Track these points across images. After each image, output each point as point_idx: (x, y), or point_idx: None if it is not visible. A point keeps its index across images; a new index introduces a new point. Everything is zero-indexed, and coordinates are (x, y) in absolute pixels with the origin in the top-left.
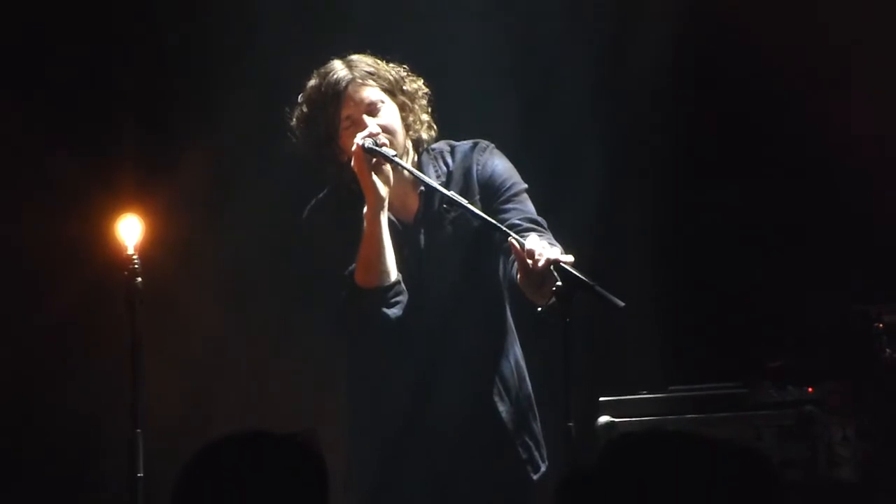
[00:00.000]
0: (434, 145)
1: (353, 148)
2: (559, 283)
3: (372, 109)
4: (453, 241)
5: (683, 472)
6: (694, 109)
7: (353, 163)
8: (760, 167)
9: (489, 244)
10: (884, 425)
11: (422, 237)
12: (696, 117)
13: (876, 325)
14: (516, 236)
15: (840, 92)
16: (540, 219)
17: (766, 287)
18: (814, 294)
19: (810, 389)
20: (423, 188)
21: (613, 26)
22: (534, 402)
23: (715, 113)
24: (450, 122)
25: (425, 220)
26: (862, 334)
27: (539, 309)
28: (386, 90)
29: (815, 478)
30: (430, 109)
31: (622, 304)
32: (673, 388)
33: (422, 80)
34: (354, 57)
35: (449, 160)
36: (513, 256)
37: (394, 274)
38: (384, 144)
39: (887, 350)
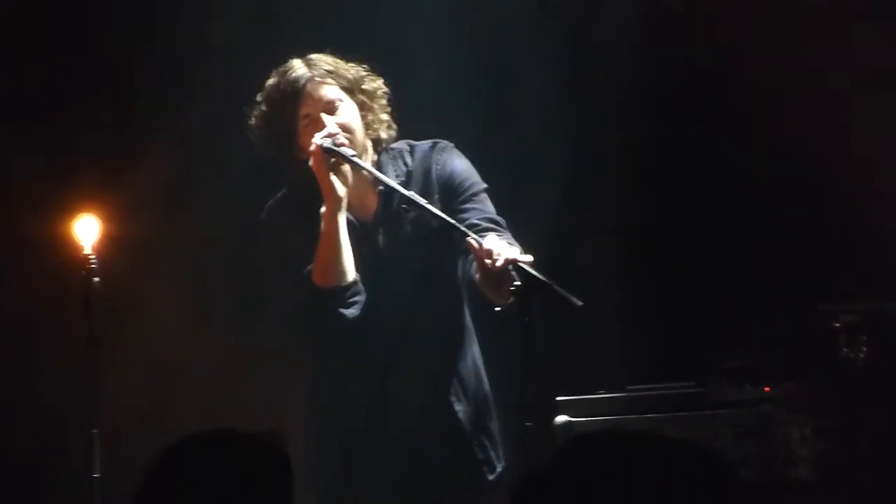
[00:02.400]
0: (393, 145)
1: (312, 147)
2: (518, 283)
3: (331, 108)
4: (412, 241)
5: (641, 472)
6: (656, 109)
7: (311, 162)
8: (722, 167)
9: (448, 244)
10: (841, 424)
11: (380, 237)
12: (659, 117)
13: (833, 324)
14: (475, 236)
15: (800, 93)
16: (499, 218)
17: (724, 287)
18: (771, 294)
19: (767, 389)
20: (382, 188)
21: (576, 25)
22: (491, 401)
23: (677, 113)
24: (409, 121)
25: (384, 220)
26: (819, 333)
27: (498, 308)
28: (345, 89)
29: (773, 477)
30: (389, 109)
31: (580, 303)
32: (631, 387)
33: (381, 80)
34: (314, 56)
35: (408, 160)
36: (472, 256)
37: (352, 274)
38: (343, 144)
39: (844, 349)
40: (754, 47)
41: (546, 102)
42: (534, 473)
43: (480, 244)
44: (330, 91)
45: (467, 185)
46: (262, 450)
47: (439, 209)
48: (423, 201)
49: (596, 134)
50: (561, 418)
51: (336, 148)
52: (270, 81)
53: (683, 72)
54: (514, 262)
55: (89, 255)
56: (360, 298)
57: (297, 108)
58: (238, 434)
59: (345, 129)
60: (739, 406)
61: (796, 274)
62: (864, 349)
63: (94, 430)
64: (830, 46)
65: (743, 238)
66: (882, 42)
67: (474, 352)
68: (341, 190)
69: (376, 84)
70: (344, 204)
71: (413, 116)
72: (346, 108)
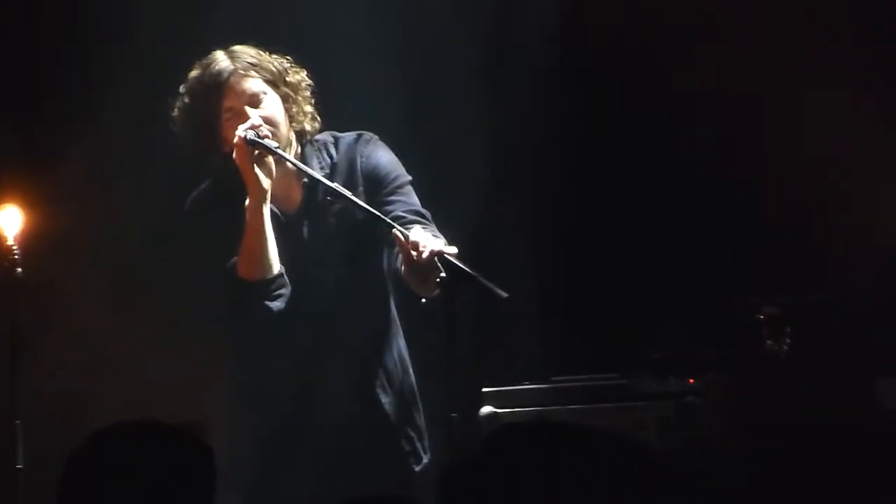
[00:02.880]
0: (318, 137)
1: (235, 140)
2: (443, 275)
3: (254, 100)
4: (337, 233)
5: (565, 462)
6: (579, 102)
7: (234, 154)
8: (644, 160)
9: (373, 236)
10: (765, 416)
11: (305, 229)
12: (582, 109)
13: (757, 316)
14: (400, 228)
15: (718, 90)
16: (424, 211)
17: (649, 279)
18: (696, 286)
19: (691, 381)
20: (306, 180)
21: (498, 15)
22: (417, 393)
23: (600, 105)
24: (334, 113)
25: (309, 212)
26: (743, 326)
27: (423, 300)
28: (269, 81)
29: (698, 469)
30: (313, 101)
31: (505, 295)
32: (555, 378)
33: (305, 72)
34: (237, 48)
35: (333, 152)
36: (397, 248)
37: (276, 266)
38: (266, 136)
39: (768, 341)
40: (669, 48)
41: (469, 95)
42: (459, 464)
43: (406, 236)
44: (253, 84)
45: (392, 177)
46: (183, 441)
47: (364, 201)
48: (347, 193)
49: (519, 127)
50: (486, 409)
51: (260, 140)
52: (193, 73)
53: (608, 62)
54: (439, 253)
55: (12, 245)
56: (285, 291)
57: (220, 100)
58: (159, 425)
59: (268, 121)
60: (663, 398)
61: (721, 266)
62: (788, 341)
63: (17, 422)
64: (739, 47)
65: (668, 230)
66: (799, 41)
67: (400, 344)
68: (265, 182)
69: (300, 76)
70: (268, 196)
71: (337, 108)
72: (269, 101)
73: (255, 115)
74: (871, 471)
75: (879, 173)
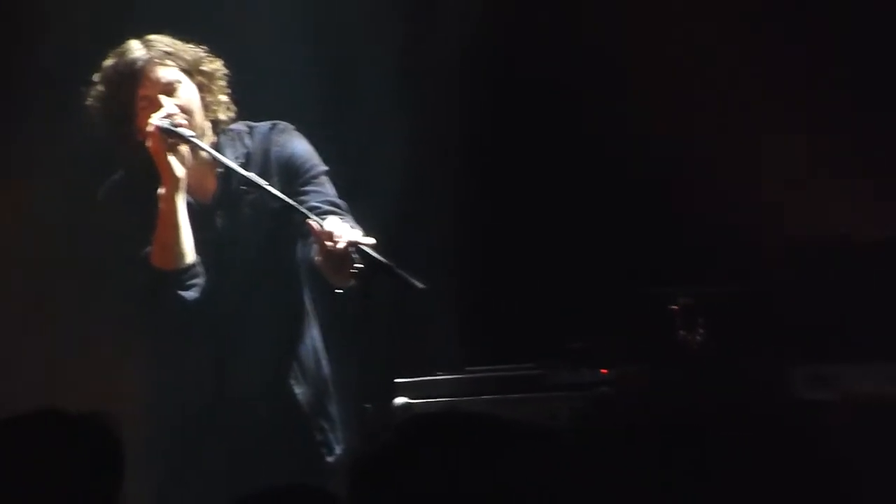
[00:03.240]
0: (232, 126)
1: (150, 128)
2: (359, 266)
3: (169, 89)
4: (251, 223)
5: (475, 453)
6: (496, 94)
7: (149, 143)
8: (561, 153)
9: (288, 226)
10: (676, 405)
11: (219, 219)
12: (500, 103)
13: (670, 307)
14: (316, 218)
15: (645, 78)
16: (340, 201)
17: (564, 270)
18: (609, 277)
19: (604, 371)
20: (221, 169)
21: (416, 11)
22: (331, 384)
23: (517, 97)
24: (249, 103)
25: (223, 202)
26: (656, 316)
27: (338, 291)
28: (184, 70)
29: (608, 459)
30: (228, 90)
31: (422, 285)
32: (470, 369)
33: (220, 61)
34: (152, 37)
35: (247, 141)
36: (312, 238)
37: (191, 256)
38: (181, 125)
39: (681, 332)
40: (586, 41)
41: (387, 85)
42: (370, 454)
43: (321, 226)
44: (168, 72)
45: (307, 167)
46: (90, 430)
47: (279, 191)
48: (262, 182)
49: (436, 118)
50: (400, 400)
51: (174, 129)
52: (108, 62)
53: (521, 57)
54: (355, 244)
55: None
56: (200, 281)
57: (134, 89)
58: (67, 413)
59: (183, 110)
60: (577, 388)
61: (634, 257)
62: (701, 332)
63: None
64: (654, 39)
65: (582, 221)
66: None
67: (314, 334)
68: (180, 171)
69: (215, 65)
70: (182, 185)
71: (253, 98)
72: (184, 90)
73: (169, 104)
74: (784, 461)
75: (795, 167)
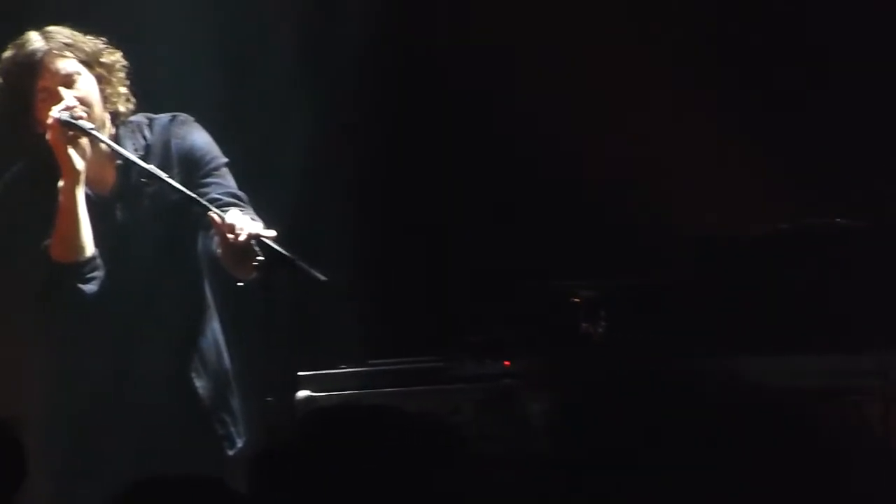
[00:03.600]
0: (132, 118)
1: (49, 121)
2: (260, 258)
3: (68, 81)
4: (151, 216)
5: (375, 445)
6: (397, 89)
7: (48, 135)
8: (464, 145)
9: (188, 218)
10: (579, 398)
11: (119, 211)
12: (400, 96)
13: (573, 299)
14: (217, 210)
15: (543, 73)
16: (241, 193)
17: (467, 262)
18: (512, 269)
19: (507, 363)
20: (120, 161)
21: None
22: (232, 377)
23: (417, 90)
24: (149, 95)
25: (123, 194)
26: (559, 308)
27: (240, 284)
28: (83, 62)
29: (512, 451)
30: (128, 82)
31: (323, 278)
32: (373, 362)
33: (120, 53)
34: (52, 28)
35: (147, 133)
36: (213, 231)
37: (90, 248)
38: (81, 117)
39: (583, 324)
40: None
41: (289, 77)
42: (271, 448)
43: (222, 219)
44: (68, 64)
45: (208, 159)
46: None
47: (179, 183)
48: (162, 175)
49: (335, 109)
50: (302, 393)
51: (74, 121)
52: (6, 54)
53: (423, 53)
54: (256, 237)
55: None
56: (99, 273)
57: (34, 81)
58: None
59: (83, 102)
60: (480, 380)
61: (538, 249)
62: (603, 324)
63: None
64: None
65: (485, 214)
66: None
67: (215, 327)
68: (79, 163)
69: (115, 57)
70: (82, 178)
71: (153, 90)
72: (84, 82)
73: (69, 96)
74: (687, 449)
75: (694, 163)
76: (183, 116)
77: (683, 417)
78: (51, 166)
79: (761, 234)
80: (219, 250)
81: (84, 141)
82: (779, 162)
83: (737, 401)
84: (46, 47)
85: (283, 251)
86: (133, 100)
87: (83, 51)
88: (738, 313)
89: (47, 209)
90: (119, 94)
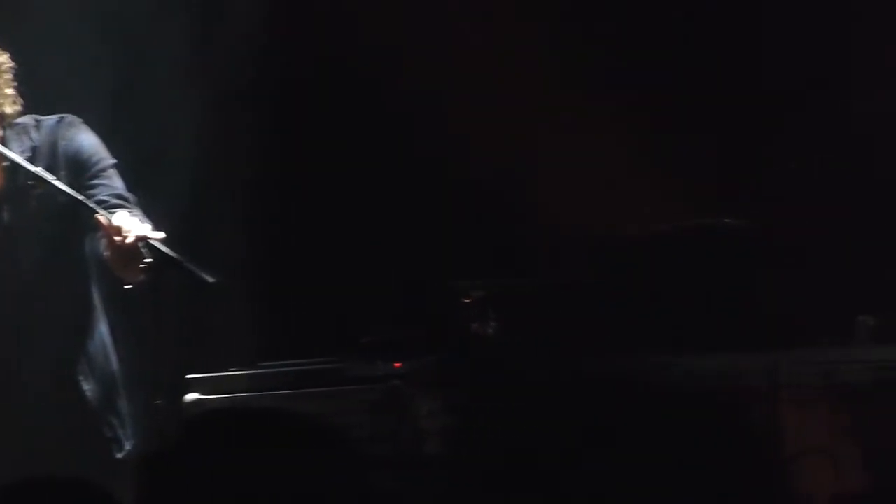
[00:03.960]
0: (19, 120)
1: None
2: (149, 260)
3: None
4: (39, 218)
5: (265, 448)
6: (286, 90)
7: None
8: (353, 145)
9: (76, 220)
10: (470, 398)
11: (6, 213)
12: (289, 97)
13: (463, 300)
14: (104, 212)
15: (437, 79)
16: (129, 195)
17: (357, 263)
18: (403, 270)
19: (398, 364)
20: (7, 163)
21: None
22: (120, 380)
23: (307, 93)
24: (36, 96)
25: (9, 196)
26: (449, 309)
27: (128, 286)
28: None
29: (403, 452)
30: (15, 83)
31: (212, 280)
32: (263, 364)
33: (7, 55)
34: None
35: (34, 135)
36: (101, 233)
37: None
38: None
39: (474, 324)
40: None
41: (177, 79)
42: (158, 451)
43: (110, 220)
44: None
45: (95, 160)
46: None
47: (67, 185)
48: (49, 177)
49: (224, 111)
50: (191, 396)
51: None
52: None
53: (310, 57)
54: (144, 238)
55: None
56: None
57: None
58: None
59: None
60: (371, 382)
61: (427, 250)
62: (493, 324)
63: None
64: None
65: (375, 214)
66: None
67: (102, 330)
68: None
69: (2, 59)
70: None
71: (40, 91)
72: None
73: None
74: (574, 453)
75: (586, 161)
76: (70, 118)
77: (572, 418)
78: None
79: (650, 234)
80: (106, 252)
81: None
82: (667, 162)
83: (625, 400)
84: None
85: (172, 253)
86: (20, 101)
87: None
88: (626, 313)
89: None
90: (5, 96)
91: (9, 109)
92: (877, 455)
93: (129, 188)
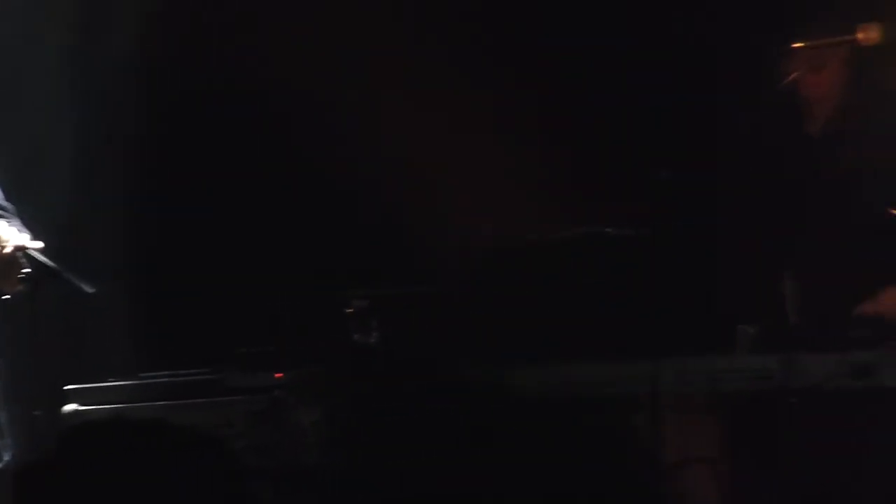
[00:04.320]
0: None
1: None
2: (27, 270)
3: None
4: None
5: (144, 459)
6: (169, 95)
7: None
8: (239, 153)
9: None
10: (352, 408)
11: None
12: (171, 102)
13: (345, 310)
14: None
15: (336, 85)
16: (7, 204)
17: (238, 274)
18: (286, 281)
19: (279, 375)
20: None
21: (90, 7)
22: None
23: (190, 98)
24: None
25: None
26: (331, 319)
27: (6, 297)
28: None
29: (286, 463)
30: None
31: (91, 290)
32: (143, 375)
33: None
34: None
35: None
36: None
37: None
38: None
39: (356, 335)
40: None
41: (58, 87)
42: (34, 463)
43: None
44: None
45: None
46: None
47: None
48: None
49: (104, 118)
50: (69, 407)
51: None
52: None
53: (193, 60)
54: (22, 248)
55: None
56: None
57: None
58: None
59: None
60: (252, 392)
61: (310, 259)
62: (375, 334)
63: None
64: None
65: (256, 224)
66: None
67: None
68: None
69: None
70: None
71: None
72: None
73: None
74: (458, 460)
75: (473, 169)
76: None
77: (455, 425)
78: None
79: (536, 243)
80: None
81: None
82: (555, 170)
83: (507, 408)
84: None
85: (50, 263)
86: None
87: None
88: (510, 321)
89: None
90: None
91: None
92: (759, 462)
93: (7, 197)
